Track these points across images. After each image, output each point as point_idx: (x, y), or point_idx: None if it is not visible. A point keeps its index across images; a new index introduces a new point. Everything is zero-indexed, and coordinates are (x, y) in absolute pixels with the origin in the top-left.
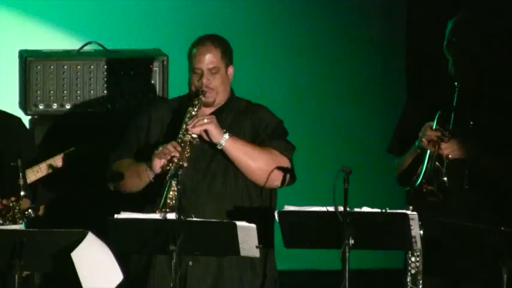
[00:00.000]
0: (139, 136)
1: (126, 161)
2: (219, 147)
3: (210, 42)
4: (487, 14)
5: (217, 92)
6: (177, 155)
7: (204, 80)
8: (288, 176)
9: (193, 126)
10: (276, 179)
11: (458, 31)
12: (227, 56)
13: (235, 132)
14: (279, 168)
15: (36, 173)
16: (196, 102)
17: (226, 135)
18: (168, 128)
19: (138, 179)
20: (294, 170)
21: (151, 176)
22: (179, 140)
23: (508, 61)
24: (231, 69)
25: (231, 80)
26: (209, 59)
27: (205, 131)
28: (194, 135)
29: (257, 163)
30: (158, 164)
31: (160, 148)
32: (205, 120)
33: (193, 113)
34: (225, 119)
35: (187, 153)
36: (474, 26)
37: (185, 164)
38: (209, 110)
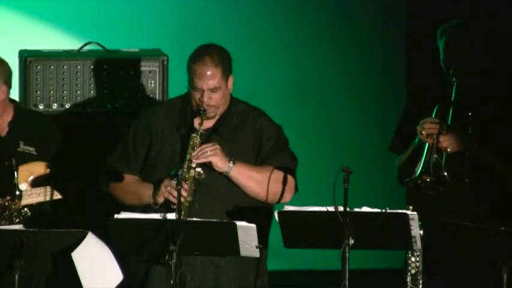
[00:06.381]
0: (137, 146)
1: (126, 177)
2: (225, 175)
3: (210, 60)
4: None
5: (218, 107)
6: (182, 200)
7: (205, 99)
8: (292, 192)
9: (197, 158)
10: (281, 197)
11: (449, 39)
12: (227, 71)
13: (237, 141)
14: (284, 187)
15: (29, 198)
16: (199, 127)
17: (231, 164)
18: (168, 137)
19: (138, 201)
20: (297, 183)
21: (152, 203)
22: (184, 176)
23: (507, 59)
24: (230, 80)
25: (231, 90)
26: (210, 79)
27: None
28: (198, 169)
29: (263, 186)
30: (162, 199)
31: (168, 188)
32: (209, 152)
33: (196, 140)
34: (227, 126)
35: (193, 188)
36: (464, 31)
37: (190, 199)
38: (211, 122)
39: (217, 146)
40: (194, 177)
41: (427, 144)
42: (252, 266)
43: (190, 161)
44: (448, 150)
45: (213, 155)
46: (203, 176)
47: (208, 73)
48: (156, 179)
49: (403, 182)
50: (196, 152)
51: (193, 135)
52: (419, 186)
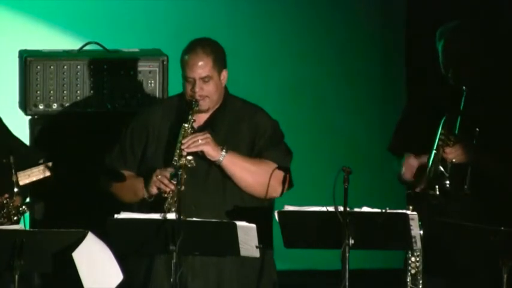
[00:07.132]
0: (134, 146)
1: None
2: (217, 164)
3: (201, 50)
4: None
5: (211, 99)
6: (173, 188)
7: (197, 89)
8: (285, 185)
9: (188, 147)
10: (274, 191)
11: (447, 42)
12: (220, 62)
13: (233, 137)
14: (277, 180)
15: (28, 177)
16: (190, 117)
17: (224, 152)
18: (164, 136)
19: (134, 196)
20: (291, 177)
21: (146, 195)
22: (175, 163)
23: (507, 59)
24: (224, 74)
25: (224, 84)
26: (201, 68)
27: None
28: (189, 157)
29: (255, 178)
30: (155, 190)
31: (159, 176)
32: (200, 141)
33: (188, 129)
34: (222, 122)
35: (184, 177)
36: (462, 33)
37: (182, 188)
38: (205, 116)
39: (208, 135)
40: (185, 165)
41: (432, 155)
42: (253, 266)
43: (182, 150)
44: (454, 161)
45: (204, 144)
46: (194, 164)
47: (200, 63)
48: None
49: (403, 182)
50: (187, 141)
51: (184, 125)
52: (421, 198)
